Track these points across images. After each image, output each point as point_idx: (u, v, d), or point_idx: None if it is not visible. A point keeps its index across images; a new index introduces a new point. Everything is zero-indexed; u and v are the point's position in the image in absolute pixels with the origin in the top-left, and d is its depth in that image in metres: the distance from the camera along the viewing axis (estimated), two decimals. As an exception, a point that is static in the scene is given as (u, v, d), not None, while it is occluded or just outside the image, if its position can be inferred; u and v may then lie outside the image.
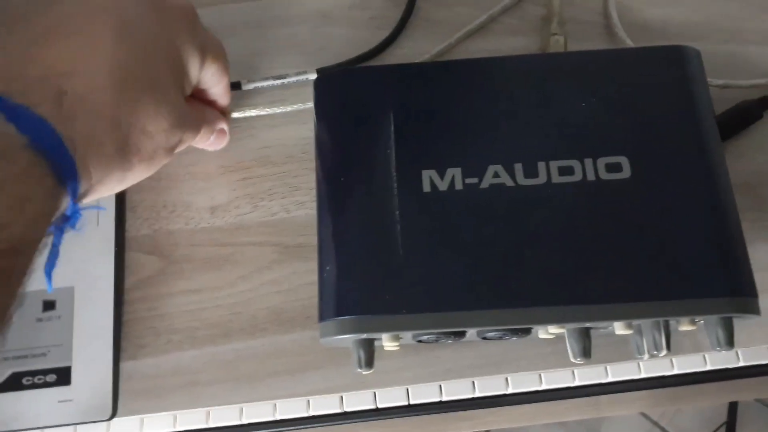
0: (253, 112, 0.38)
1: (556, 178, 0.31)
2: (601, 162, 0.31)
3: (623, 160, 0.31)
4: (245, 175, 0.37)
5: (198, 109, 0.33)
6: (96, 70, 0.23)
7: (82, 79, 0.22)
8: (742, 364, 0.36)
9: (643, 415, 1.12)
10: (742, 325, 0.31)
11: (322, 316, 0.30)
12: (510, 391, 0.35)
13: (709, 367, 0.36)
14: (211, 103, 0.35)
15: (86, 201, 0.24)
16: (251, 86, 0.38)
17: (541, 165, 0.31)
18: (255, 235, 0.36)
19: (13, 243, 0.20)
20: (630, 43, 0.38)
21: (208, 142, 0.35)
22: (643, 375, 0.36)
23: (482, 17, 0.40)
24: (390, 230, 0.30)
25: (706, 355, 0.36)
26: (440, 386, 0.35)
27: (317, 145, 0.33)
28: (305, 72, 0.39)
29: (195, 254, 0.36)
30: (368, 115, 0.33)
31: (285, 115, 0.38)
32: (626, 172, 0.31)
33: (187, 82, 0.30)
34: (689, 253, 0.29)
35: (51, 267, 0.23)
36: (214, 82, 0.33)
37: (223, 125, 0.35)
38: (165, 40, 0.27)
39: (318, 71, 0.39)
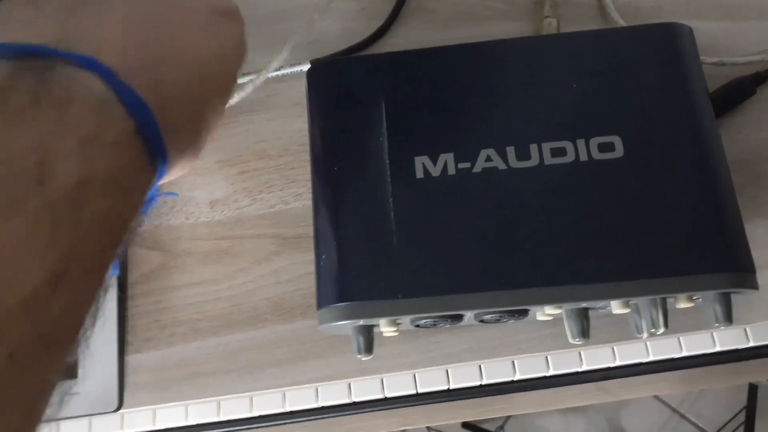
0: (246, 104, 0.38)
1: (549, 160, 0.31)
2: (594, 142, 0.31)
3: (616, 140, 0.31)
4: (243, 168, 0.38)
5: None
6: (184, 62, 0.23)
7: (174, 68, 0.23)
8: (752, 344, 0.36)
9: (663, 402, 1.12)
10: (743, 300, 0.31)
11: (320, 304, 0.30)
12: (517, 377, 0.35)
13: (718, 348, 0.35)
14: None
15: None
16: (246, 79, 0.39)
17: (534, 147, 0.31)
18: (254, 227, 0.36)
19: (118, 233, 0.19)
20: (623, 24, 0.38)
21: None
22: (651, 357, 0.36)
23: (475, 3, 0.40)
24: (384, 217, 0.30)
25: (715, 335, 0.35)
26: (447, 371, 0.35)
27: (311, 136, 0.33)
28: (299, 64, 0.39)
29: (196, 248, 0.36)
30: (360, 103, 0.33)
31: (281, 108, 0.39)
32: (619, 152, 0.31)
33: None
34: (685, 229, 0.29)
35: (122, 252, 0.22)
36: None
37: None
38: (226, 42, 0.28)
39: (311, 62, 0.39)
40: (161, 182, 0.24)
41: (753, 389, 1.06)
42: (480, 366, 0.35)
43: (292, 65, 0.39)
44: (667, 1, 0.39)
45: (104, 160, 0.18)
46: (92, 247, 0.18)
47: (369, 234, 0.30)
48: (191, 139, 0.25)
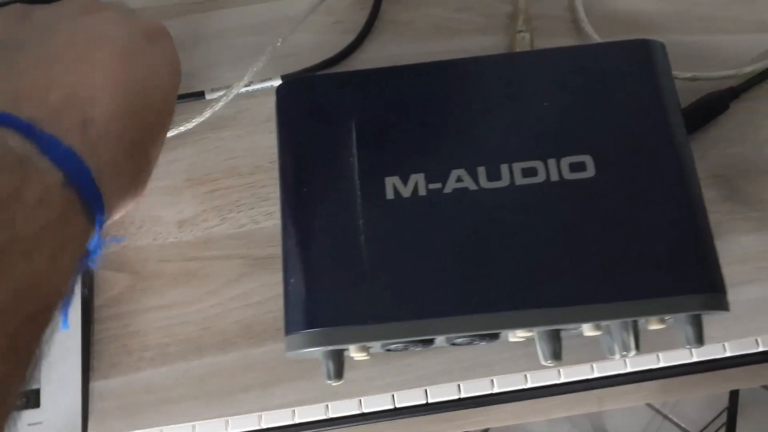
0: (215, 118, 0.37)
1: (520, 180, 0.30)
2: (565, 162, 0.30)
3: (587, 159, 0.30)
4: (212, 187, 0.37)
5: None
6: (111, 96, 0.22)
7: (101, 105, 0.21)
8: (728, 354, 0.36)
9: (646, 403, 1.12)
10: (717, 319, 0.31)
11: (288, 330, 0.29)
12: (496, 390, 0.35)
13: (696, 359, 0.35)
14: None
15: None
16: (215, 95, 0.38)
17: (504, 167, 0.30)
18: (223, 248, 0.36)
19: (50, 299, 0.18)
20: (597, 38, 0.38)
21: None
22: (629, 369, 0.35)
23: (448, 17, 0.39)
24: (354, 239, 0.30)
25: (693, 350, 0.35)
26: (425, 390, 0.34)
27: (279, 154, 0.33)
28: (270, 79, 0.38)
29: (164, 270, 0.35)
30: (330, 122, 0.32)
31: (252, 125, 0.38)
32: (590, 171, 0.30)
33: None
34: (655, 251, 0.29)
35: (67, 307, 0.21)
36: None
37: None
38: (158, 65, 0.26)
39: (282, 77, 0.38)
40: (106, 225, 0.22)
41: (734, 391, 1.07)
42: (459, 385, 0.34)
43: (264, 80, 0.38)
44: (643, 15, 0.39)
45: (27, 221, 0.17)
46: (14, 320, 0.16)
47: (338, 257, 0.30)
48: (132, 175, 0.23)
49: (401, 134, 0.32)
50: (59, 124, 0.19)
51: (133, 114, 0.23)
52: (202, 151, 0.38)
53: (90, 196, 0.20)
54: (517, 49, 0.38)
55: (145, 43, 0.25)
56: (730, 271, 0.33)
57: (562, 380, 0.35)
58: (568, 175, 0.30)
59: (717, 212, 0.34)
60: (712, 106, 0.35)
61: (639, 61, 0.32)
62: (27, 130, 0.18)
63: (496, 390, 0.35)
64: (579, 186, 0.30)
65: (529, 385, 0.35)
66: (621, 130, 0.31)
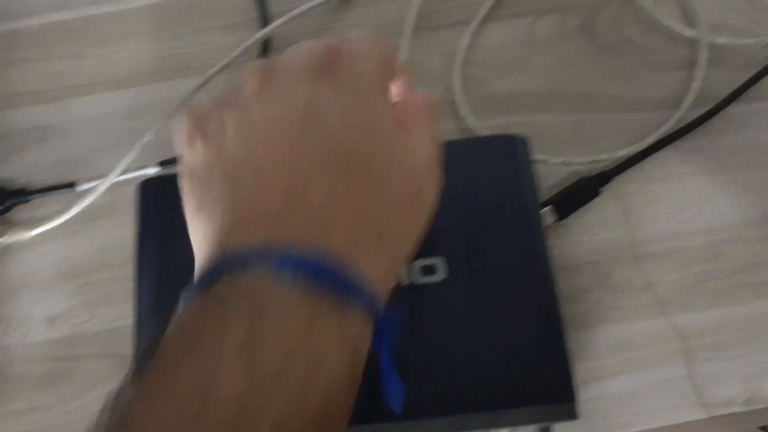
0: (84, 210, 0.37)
1: (371, 285, 0.30)
2: (417, 265, 0.30)
3: (438, 262, 0.30)
4: (84, 280, 0.36)
5: None
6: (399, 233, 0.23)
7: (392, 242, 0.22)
8: None
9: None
10: (582, 418, 0.30)
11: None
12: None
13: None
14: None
15: None
16: (87, 186, 0.37)
17: (357, 271, 0.30)
18: (92, 346, 0.35)
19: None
20: (471, 122, 0.37)
21: None
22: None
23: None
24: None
25: None
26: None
27: (134, 256, 0.32)
28: (145, 167, 0.38)
29: (30, 371, 0.34)
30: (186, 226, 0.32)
31: (126, 214, 0.37)
32: (441, 275, 0.30)
33: None
34: (501, 359, 0.28)
35: None
36: None
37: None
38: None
39: (160, 164, 0.38)
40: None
41: None
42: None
43: (139, 168, 0.38)
44: (522, 94, 0.39)
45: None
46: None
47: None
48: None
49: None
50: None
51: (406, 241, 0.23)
52: (75, 242, 0.37)
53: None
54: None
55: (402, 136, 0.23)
56: (597, 363, 0.33)
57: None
58: (419, 279, 0.30)
59: (586, 301, 0.34)
60: (583, 192, 0.35)
61: (499, 158, 0.32)
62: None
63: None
64: (429, 291, 0.30)
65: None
66: (474, 229, 0.31)
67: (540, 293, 0.30)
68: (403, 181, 0.23)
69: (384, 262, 0.21)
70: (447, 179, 0.31)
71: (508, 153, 0.32)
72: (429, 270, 0.30)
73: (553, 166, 0.36)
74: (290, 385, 0.17)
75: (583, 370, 0.32)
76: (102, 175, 0.37)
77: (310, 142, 0.21)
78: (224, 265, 0.19)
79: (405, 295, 0.29)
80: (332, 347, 0.19)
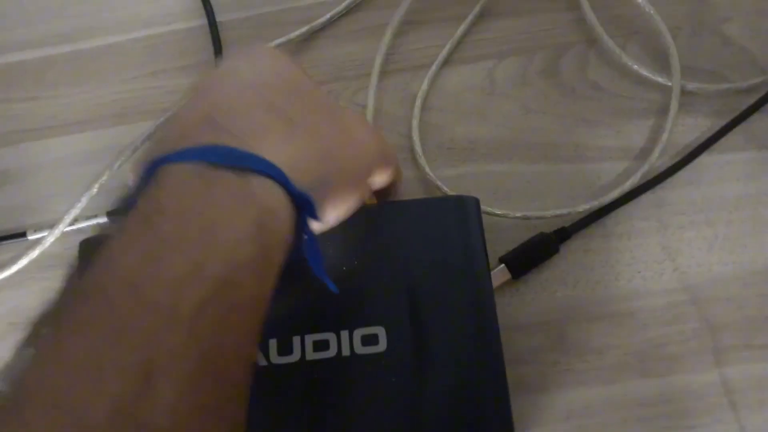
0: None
1: (311, 355, 0.29)
2: (357, 334, 0.29)
3: (380, 331, 0.29)
4: (34, 333, 0.36)
5: None
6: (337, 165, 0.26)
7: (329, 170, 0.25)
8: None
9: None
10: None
11: None
12: None
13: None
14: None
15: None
16: (37, 236, 0.37)
17: (296, 340, 0.29)
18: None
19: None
20: (429, 171, 0.36)
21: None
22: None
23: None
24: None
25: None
26: None
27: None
28: (96, 216, 0.37)
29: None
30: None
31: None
32: (382, 345, 0.29)
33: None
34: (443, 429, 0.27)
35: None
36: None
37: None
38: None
39: (108, 214, 0.37)
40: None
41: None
42: None
43: (90, 218, 0.37)
44: (481, 142, 0.38)
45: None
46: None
47: None
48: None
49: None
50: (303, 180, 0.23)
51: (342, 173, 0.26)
52: (27, 291, 0.36)
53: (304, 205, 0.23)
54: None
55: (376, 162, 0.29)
56: (550, 429, 0.32)
57: None
58: (360, 349, 0.29)
59: (541, 363, 0.33)
60: (541, 249, 0.34)
61: (446, 220, 0.31)
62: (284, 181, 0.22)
63: None
64: (369, 361, 0.29)
65: None
66: (418, 296, 0.29)
67: (484, 360, 0.29)
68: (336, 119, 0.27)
69: (294, 151, 0.23)
70: (391, 244, 0.31)
71: (456, 215, 0.31)
72: (370, 340, 0.29)
73: (513, 220, 0.35)
74: (187, 251, 0.19)
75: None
76: (54, 223, 0.37)
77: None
78: (157, 163, 0.21)
79: (346, 366, 0.29)
80: (229, 216, 0.20)
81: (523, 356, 0.33)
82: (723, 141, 0.37)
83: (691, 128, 0.37)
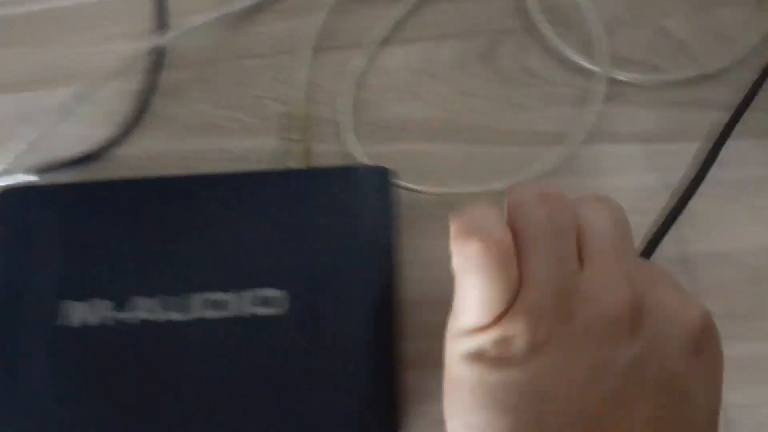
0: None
1: (209, 313, 0.29)
2: (257, 295, 0.29)
3: (281, 294, 0.29)
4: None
5: None
6: None
7: None
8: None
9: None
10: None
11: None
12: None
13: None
14: None
15: None
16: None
17: (197, 297, 0.29)
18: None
19: None
20: (357, 146, 0.36)
21: None
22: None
23: (218, 114, 0.38)
24: (37, 371, 0.29)
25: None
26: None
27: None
28: (27, 173, 0.37)
29: None
30: (41, 240, 0.31)
31: None
32: (282, 307, 0.29)
33: None
34: (326, 398, 0.27)
35: None
36: None
37: None
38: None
39: (37, 171, 0.37)
40: None
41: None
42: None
43: (23, 171, 0.37)
44: (413, 119, 0.38)
45: None
46: None
47: (21, 392, 0.28)
48: None
49: (104, 259, 0.30)
50: None
51: None
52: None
53: None
54: (290, 159, 0.36)
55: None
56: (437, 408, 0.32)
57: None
58: (259, 311, 0.29)
59: (440, 338, 0.33)
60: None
61: (357, 188, 0.31)
62: None
63: None
64: (267, 323, 0.29)
65: None
66: (321, 265, 0.30)
67: (374, 331, 0.29)
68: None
69: None
70: (293, 208, 0.31)
71: (366, 184, 0.31)
72: (270, 302, 0.29)
73: (429, 196, 0.35)
74: None
75: (419, 413, 0.31)
76: (-20, 179, 0.37)
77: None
78: None
79: (243, 327, 0.28)
80: None
81: (423, 331, 0.32)
82: (652, 130, 0.37)
83: (619, 116, 0.37)
